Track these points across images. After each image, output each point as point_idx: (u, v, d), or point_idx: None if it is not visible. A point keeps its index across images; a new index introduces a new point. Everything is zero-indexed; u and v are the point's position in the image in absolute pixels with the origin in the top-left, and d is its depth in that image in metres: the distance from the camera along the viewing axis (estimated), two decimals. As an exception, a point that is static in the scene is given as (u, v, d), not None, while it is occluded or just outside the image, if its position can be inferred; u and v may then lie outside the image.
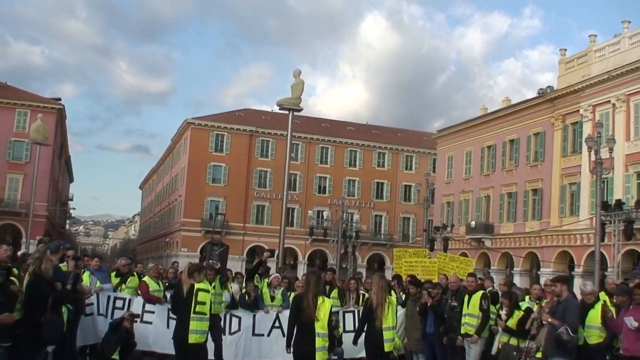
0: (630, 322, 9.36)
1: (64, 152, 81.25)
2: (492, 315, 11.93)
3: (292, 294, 14.57)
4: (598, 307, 10.28)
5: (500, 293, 13.22)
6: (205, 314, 9.81)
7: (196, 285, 9.76)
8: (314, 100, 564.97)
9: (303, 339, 9.12)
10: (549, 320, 9.93)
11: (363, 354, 11.21)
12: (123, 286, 13.84)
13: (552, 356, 9.87)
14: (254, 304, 14.23)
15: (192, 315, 9.61)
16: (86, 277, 13.00)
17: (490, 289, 14.06)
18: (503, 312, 11.66)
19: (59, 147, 70.58)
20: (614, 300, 10.86)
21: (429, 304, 12.71)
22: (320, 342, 9.16)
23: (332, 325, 10.06)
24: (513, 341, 11.22)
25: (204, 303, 9.76)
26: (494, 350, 11.50)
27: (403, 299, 14.08)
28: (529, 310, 11.44)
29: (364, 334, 10.65)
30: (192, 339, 9.61)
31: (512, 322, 11.33)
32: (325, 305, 9.33)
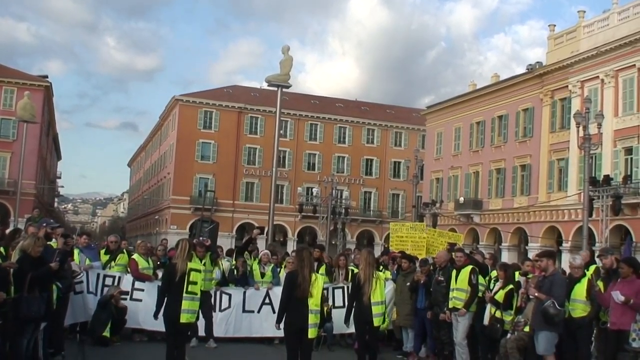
0: (617, 296, 9.48)
1: (52, 130, 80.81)
2: (481, 288, 12.00)
3: (282, 271, 14.64)
4: (584, 281, 10.39)
5: (488, 266, 13.32)
6: (197, 294, 9.80)
7: (189, 265, 9.75)
8: (303, 77, 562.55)
9: (296, 315, 9.13)
10: (536, 294, 10.02)
11: (352, 329, 11.25)
12: (112, 263, 13.86)
13: (539, 330, 9.98)
14: (243, 279, 14.28)
15: (184, 295, 9.60)
16: (75, 255, 12.98)
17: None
18: (498, 284, 11.71)
19: (46, 125, 70.13)
20: (601, 269, 11.00)
21: (421, 281, 12.78)
22: (313, 319, 9.20)
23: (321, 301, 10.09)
24: (498, 314, 11.31)
25: (195, 283, 9.75)
26: (485, 321, 11.58)
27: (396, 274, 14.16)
28: (517, 284, 11.54)
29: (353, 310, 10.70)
30: (184, 318, 9.60)
31: (500, 295, 11.42)
32: (318, 282, 9.38)
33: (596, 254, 12.57)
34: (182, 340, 9.97)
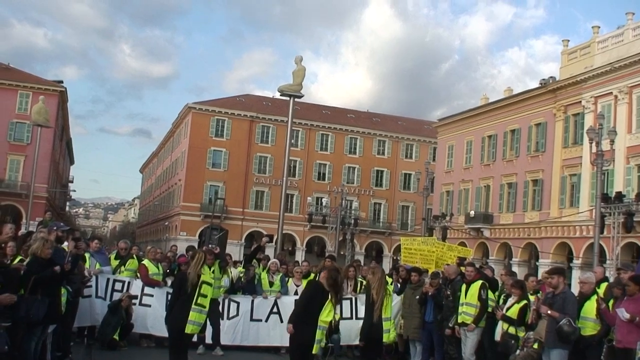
0: (622, 313, 9.40)
1: (65, 135, 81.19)
2: (490, 303, 11.94)
3: (290, 280, 14.65)
4: (594, 299, 10.31)
5: (499, 281, 13.25)
6: (205, 307, 9.75)
7: (202, 277, 9.73)
8: (316, 87, 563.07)
9: (308, 329, 9.08)
10: (549, 312, 9.94)
11: (358, 341, 11.23)
12: (122, 268, 13.92)
13: (552, 347, 9.90)
14: (249, 286, 14.27)
15: (193, 306, 9.58)
16: (86, 260, 13.02)
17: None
18: (511, 300, 11.63)
19: (60, 129, 70.56)
20: (612, 292, 10.87)
21: (430, 294, 12.73)
22: (319, 335, 9.17)
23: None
24: (512, 330, 11.23)
25: (205, 296, 9.71)
26: (497, 337, 11.52)
27: (399, 287, 14.12)
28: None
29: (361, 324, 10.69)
30: (189, 329, 9.57)
31: (513, 311, 11.33)
32: (331, 304, 9.34)
33: (613, 269, 12.50)
34: (184, 346, 9.94)
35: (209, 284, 9.93)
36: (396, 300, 13.44)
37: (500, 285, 13.13)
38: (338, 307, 13.55)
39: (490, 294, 12.11)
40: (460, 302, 11.94)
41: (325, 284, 9.36)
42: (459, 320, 11.87)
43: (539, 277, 14.77)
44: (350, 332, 13.26)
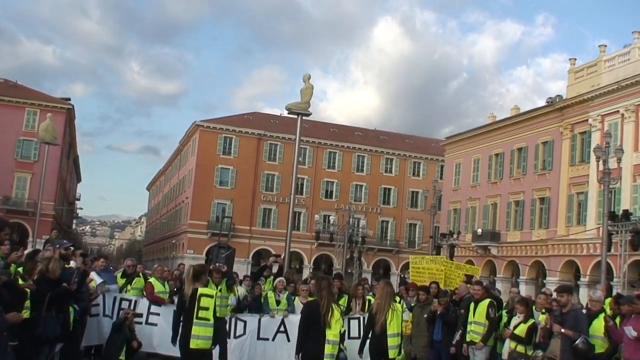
0: (629, 331, 9.36)
1: (73, 152, 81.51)
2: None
3: (297, 298, 14.60)
4: (602, 317, 10.28)
5: (502, 300, 13.24)
6: (209, 320, 9.72)
7: (200, 290, 9.73)
8: (324, 105, 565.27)
9: (314, 345, 9.04)
10: (562, 331, 9.90)
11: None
12: (129, 287, 13.89)
13: None
14: (255, 304, 14.23)
15: (194, 320, 9.59)
16: (93, 278, 13.02)
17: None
18: (516, 318, 11.60)
19: (67, 147, 70.82)
20: (621, 310, 10.83)
21: (438, 312, 12.69)
22: (330, 349, 9.10)
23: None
24: (520, 349, 11.19)
25: (206, 309, 9.68)
26: (504, 355, 11.47)
27: (412, 305, 14.07)
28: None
29: (368, 341, 10.63)
30: (194, 344, 9.53)
31: (521, 330, 11.30)
32: (336, 313, 9.31)
33: (620, 287, 12.47)
34: None
35: (210, 297, 9.90)
36: (405, 318, 13.38)
37: (506, 302, 13.13)
38: (346, 325, 13.63)
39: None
40: (469, 320, 11.92)
41: (317, 295, 9.35)
42: (467, 339, 11.82)
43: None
44: (358, 352, 13.20)
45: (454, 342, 12.05)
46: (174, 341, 9.87)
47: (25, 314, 8.67)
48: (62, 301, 9.35)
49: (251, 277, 15.70)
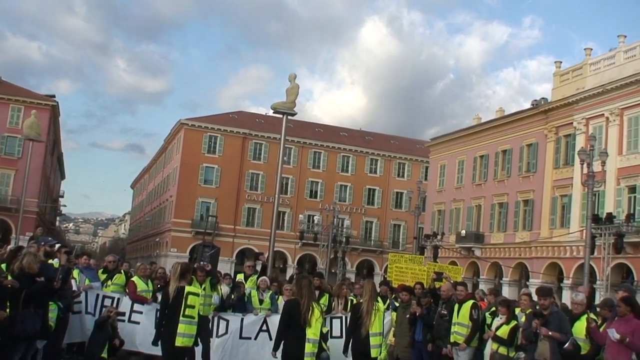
0: (612, 333, 9.41)
1: (57, 149, 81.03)
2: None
3: (280, 298, 14.57)
4: (584, 318, 10.32)
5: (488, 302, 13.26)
6: (194, 318, 9.77)
7: (187, 289, 9.72)
8: (310, 105, 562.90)
9: (295, 345, 9.06)
10: (550, 333, 9.92)
11: (350, 360, 11.17)
12: (109, 282, 13.80)
13: None
14: (240, 304, 14.19)
15: (180, 318, 9.57)
16: (75, 275, 12.95)
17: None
18: (498, 319, 11.62)
19: (51, 144, 70.41)
20: (598, 313, 10.89)
21: (417, 314, 12.70)
22: (310, 348, 9.12)
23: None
24: (502, 350, 11.20)
25: (193, 307, 9.72)
26: (487, 357, 11.49)
27: (396, 305, 14.08)
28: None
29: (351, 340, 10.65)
30: (179, 342, 9.56)
31: (503, 331, 11.31)
32: (316, 311, 9.33)
33: (603, 289, 12.54)
34: None
35: (196, 295, 9.92)
36: (388, 318, 13.40)
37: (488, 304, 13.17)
38: (328, 324, 13.62)
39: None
40: (453, 321, 11.93)
41: (297, 294, 9.37)
42: (451, 340, 11.85)
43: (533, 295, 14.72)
44: (340, 351, 13.19)
45: (448, 344, 12.04)
46: (155, 342, 9.85)
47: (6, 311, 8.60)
48: (41, 297, 9.26)
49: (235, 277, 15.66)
